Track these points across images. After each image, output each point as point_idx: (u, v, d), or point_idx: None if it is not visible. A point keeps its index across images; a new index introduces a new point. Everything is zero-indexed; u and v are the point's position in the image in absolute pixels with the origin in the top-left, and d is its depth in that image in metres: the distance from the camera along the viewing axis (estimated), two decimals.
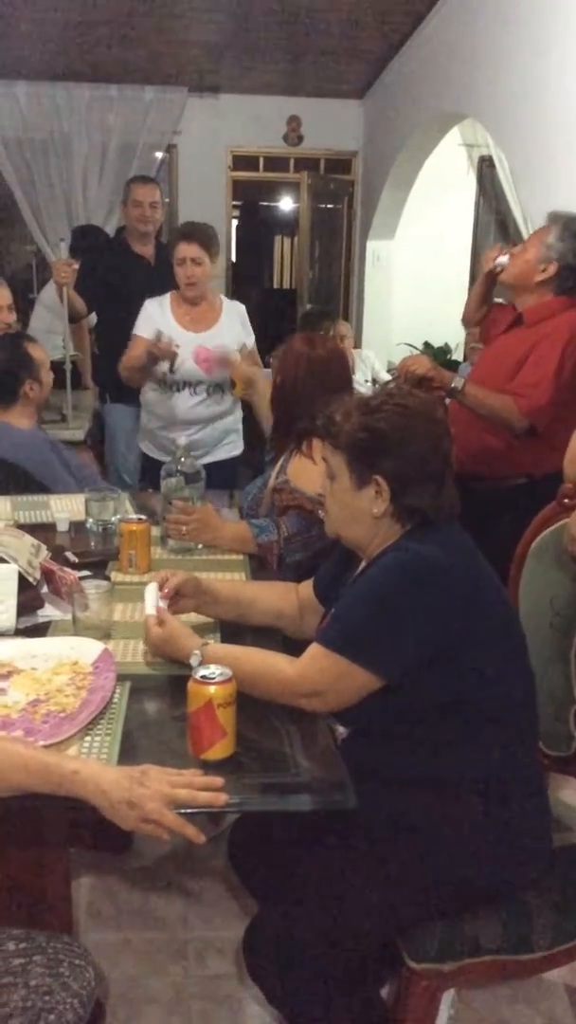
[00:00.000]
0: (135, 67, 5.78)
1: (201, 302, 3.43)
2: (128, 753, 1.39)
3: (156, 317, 3.40)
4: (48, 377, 2.81)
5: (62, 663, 1.61)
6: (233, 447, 3.63)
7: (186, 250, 3.30)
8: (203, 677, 1.36)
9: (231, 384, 3.36)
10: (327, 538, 1.76)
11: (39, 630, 1.83)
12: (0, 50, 5.39)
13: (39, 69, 5.76)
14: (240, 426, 3.64)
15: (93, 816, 1.24)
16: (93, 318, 4.62)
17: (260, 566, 2.23)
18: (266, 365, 3.42)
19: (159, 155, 6.49)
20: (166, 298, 3.44)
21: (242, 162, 6.74)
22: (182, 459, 2.40)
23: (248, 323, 3.57)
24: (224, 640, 1.75)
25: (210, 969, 2.07)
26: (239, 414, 3.61)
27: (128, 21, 4.91)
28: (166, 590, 1.74)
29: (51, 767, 1.24)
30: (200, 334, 3.40)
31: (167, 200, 6.20)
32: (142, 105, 6.19)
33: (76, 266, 3.95)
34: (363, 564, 1.64)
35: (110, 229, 5.72)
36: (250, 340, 3.54)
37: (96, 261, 4.18)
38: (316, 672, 1.47)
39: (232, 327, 3.48)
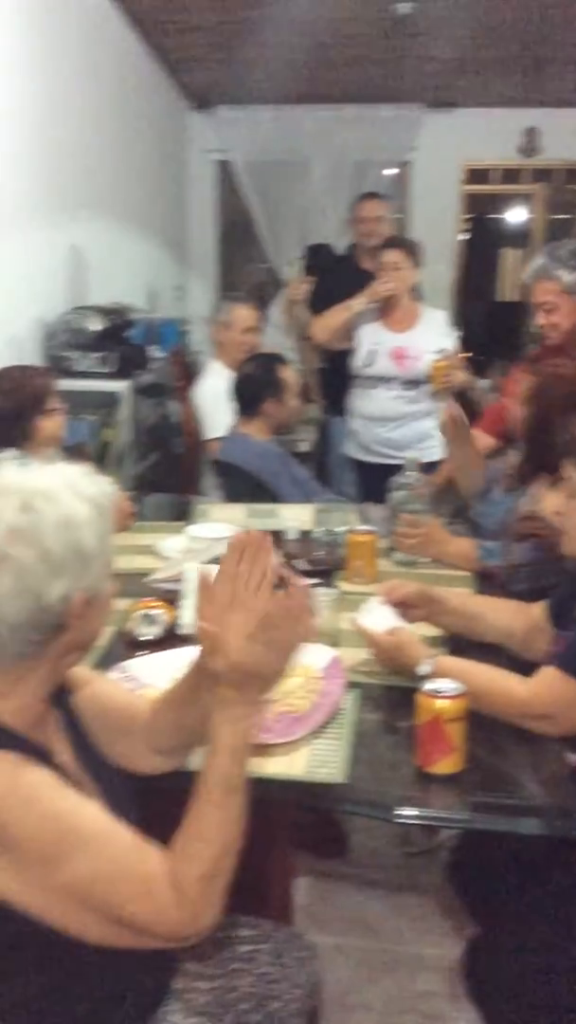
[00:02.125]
0: (374, 86, 5.88)
1: (399, 303, 3.61)
2: (355, 760, 1.42)
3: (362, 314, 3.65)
4: (293, 402, 2.96)
5: (293, 666, 1.67)
6: (429, 452, 3.63)
7: (388, 255, 3.58)
8: (433, 690, 1.37)
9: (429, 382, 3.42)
10: (555, 575, 1.73)
11: None
12: (247, 77, 5.65)
13: (282, 93, 5.98)
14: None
15: (312, 819, 1.27)
16: None
17: (487, 584, 2.20)
18: (486, 377, 3.45)
19: (392, 171, 6.57)
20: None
21: (475, 175, 6.69)
22: (410, 473, 2.42)
23: (450, 329, 3.74)
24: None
25: (421, 985, 2.06)
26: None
27: (369, 42, 5.01)
28: (393, 598, 1.76)
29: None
30: (398, 334, 3.59)
31: (399, 216, 6.25)
32: (379, 123, 6.28)
33: (309, 284, 4.09)
34: None
35: (341, 247, 5.85)
36: (451, 344, 3.62)
37: (326, 279, 4.31)
38: (549, 695, 1.44)
39: (429, 330, 3.62)
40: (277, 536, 2.48)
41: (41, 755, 1.07)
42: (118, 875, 1.02)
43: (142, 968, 1.18)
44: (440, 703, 1.35)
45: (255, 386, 2.88)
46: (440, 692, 1.37)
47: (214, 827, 1.07)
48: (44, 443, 2.44)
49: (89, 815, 1.04)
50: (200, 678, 1.17)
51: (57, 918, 1.02)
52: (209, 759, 1.10)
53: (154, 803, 1.26)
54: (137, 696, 1.42)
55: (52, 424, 2.48)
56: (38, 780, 1.02)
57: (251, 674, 1.12)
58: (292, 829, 1.80)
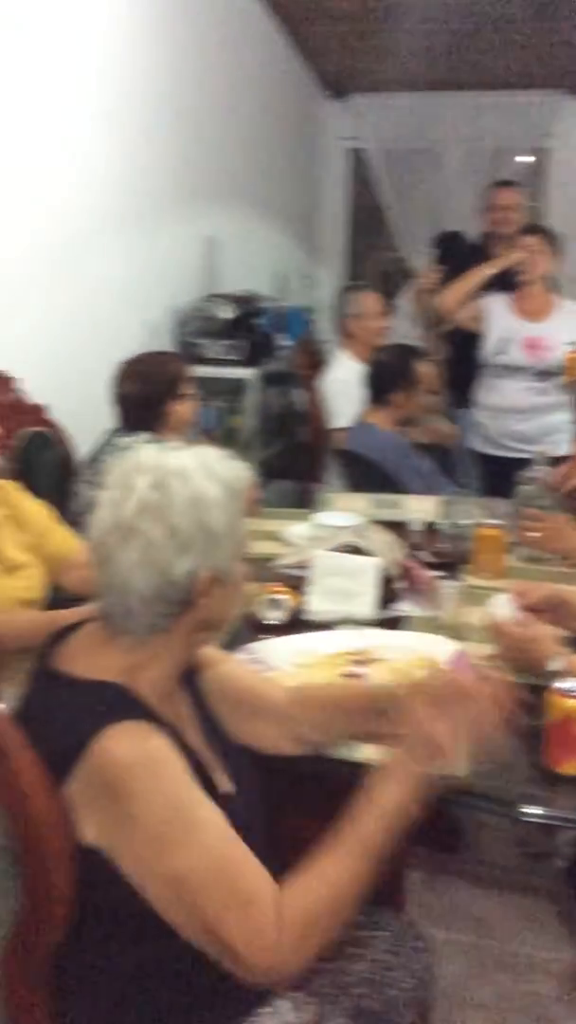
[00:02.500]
0: (512, 72, 5.75)
1: (533, 291, 3.53)
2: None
3: (495, 301, 3.59)
4: (423, 398, 2.94)
5: (419, 657, 1.66)
6: (556, 447, 3.54)
7: (526, 239, 3.53)
8: (566, 689, 1.34)
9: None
10: None
11: (393, 623, 1.90)
12: (383, 64, 5.61)
13: (418, 80, 5.92)
14: (570, 427, 3.55)
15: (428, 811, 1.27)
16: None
17: None
18: None
19: (528, 159, 6.41)
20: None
21: None
22: (539, 468, 2.37)
23: None
24: None
25: (533, 986, 2.03)
26: (568, 416, 3.52)
27: (511, 26, 4.89)
28: (525, 603, 1.72)
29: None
30: (530, 323, 3.50)
31: (534, 204, 6.10)
32: (516, 110, 6.14)
33: (440, 274, 4.04)
34: None
35: (473, 235, 5.75)
36: None
37: (458, 268, 4.24)
38: None
39: (565, 321, 3.51)
40: (401, 527, 2.47)
41: (171, 730, 1.10)
42: (222, 880, 1.01)
43: None
44: (573, 702, 1.33)
45: (388, 375, 2.88)
46: (573, 691, 1.34)
47: (340, 875, 1.05)
48: (176, 427, 2.50)
49: (206, 811, 1.04)
50: (380, 724, 1.20)
51: (155, 903, 1.02)
52: (363, 809, 1.09)
53: (277, 781, 1.29)
54: (268, 680, 1.45)
55: (184, 409, 2.53)
56: (167, 757, 1.04)
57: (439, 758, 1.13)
58: None
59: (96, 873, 1.02)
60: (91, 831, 1.02)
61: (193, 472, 1.10)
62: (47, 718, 1.07)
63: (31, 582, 1.92)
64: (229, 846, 1.04)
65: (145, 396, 2.47)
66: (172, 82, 3.51)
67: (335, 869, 1.05)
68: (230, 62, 4.14)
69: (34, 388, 2.54)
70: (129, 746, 1.02)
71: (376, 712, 1.24)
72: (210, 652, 1.33)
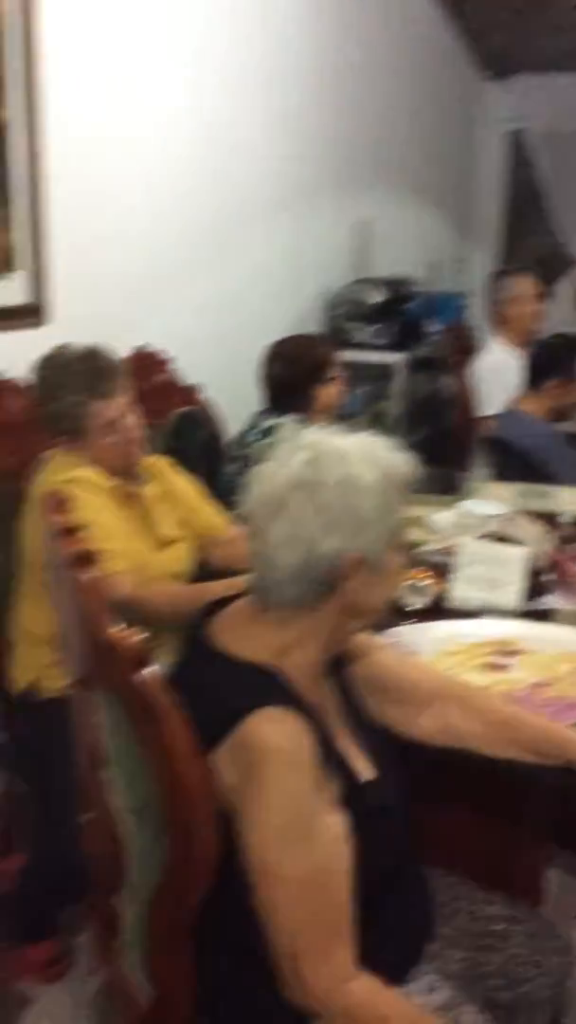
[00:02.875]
0: None
1: None
2: None
3: None
4: None
5: (566, 652, 1.62)
6: None
7: None
8: None
9: None
10: None
11: (541, 615, 1.85)
12: (547, 44, 5.43)
13: None
14: None
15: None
16: None
17: None
18: None
19: None
20: None
21: None
22: None
23: None
24: None
25: None
26: None
27: None
28: None
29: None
30: None
31: None
32: None
33: None
34: None
35: None
36: None
37: None
38: None
39: None
40: (551, 518, 2.41)
41: (314, 716, 1.11)
42: (317, 897, 1.04)
43: (399, 929, 1.21)
44: None
45: (546, 362, 2.81)
46: None
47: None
48: (322, 410, 2.51)
49: (325, 823, 1.06)
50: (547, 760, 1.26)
51: (251, 880, 1.05)
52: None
53: (414, 765, 1.28)
54: (422, 669, 1.45)
55: (329, 392, 2.54)
56: (305, 754, 1.05)
57: None
58: (545, 816, 1.76)
59: (232, 841, 1.05)
60: (228, 801, 1.05)
61: (351, 454, 1.11)
62: (199, 690, 1.10)
63: (180, 556, 1.98)
64: (334, 864, 1.06)
65: (291, 378, 2.50)
66: (331, 65, 3.51)
67: (399, 1016, 1.08)
68: (390, 45, 4.11)
69: (187, 368, 2.61)
70: (274, 731, 1.04)
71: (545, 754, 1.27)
72: (363, 641, 1.34)
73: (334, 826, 1.07)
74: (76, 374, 1.81)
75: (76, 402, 1.80)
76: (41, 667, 1.82)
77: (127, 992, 1.21)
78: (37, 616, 1.78)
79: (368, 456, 1.12)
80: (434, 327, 4.11)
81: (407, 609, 1.87)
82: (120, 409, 1.85)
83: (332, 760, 1.11)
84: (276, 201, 3.25)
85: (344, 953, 1.06)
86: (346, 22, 3.59)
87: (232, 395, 2.69)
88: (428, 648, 1.63)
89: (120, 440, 1.86)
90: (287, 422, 2.31)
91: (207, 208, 2.82)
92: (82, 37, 2.21)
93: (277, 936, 1.05)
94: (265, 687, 1.09)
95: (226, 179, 2.90)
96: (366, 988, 1.06)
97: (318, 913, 1.04)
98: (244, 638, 1.14)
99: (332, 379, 2.55)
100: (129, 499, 1.91)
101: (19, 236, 2.04)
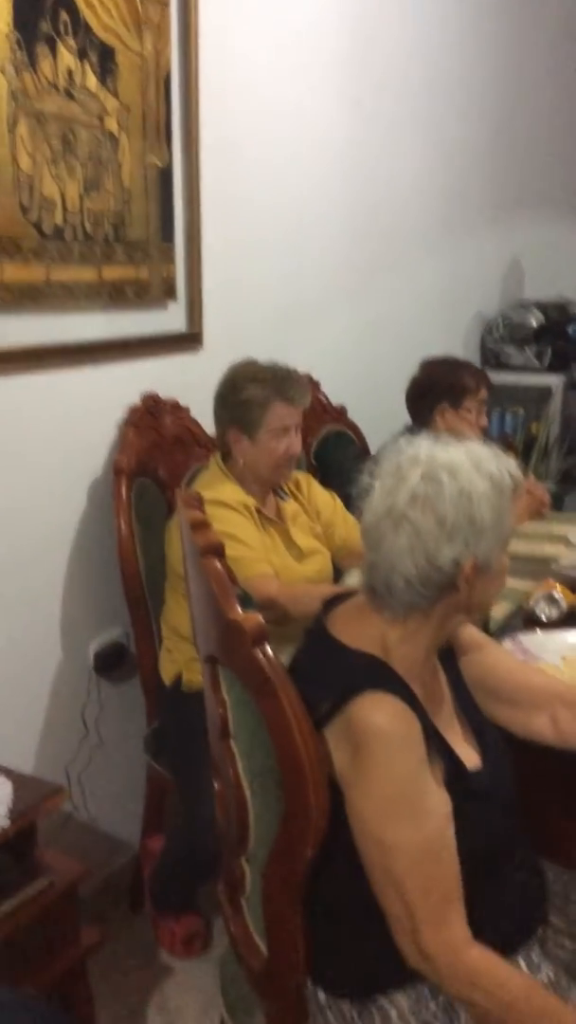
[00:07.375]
0: None
1: None
2: None
3: None
4: None
5: None
6: None
7: None
8: None
9: None
10: None
11: None
12: None
13: None
14: None
15: None
16: None
17: None
18: None
19: None
20: None
21: None
22: None
23: None
24: None
25: None
26: None
27: None
28: None
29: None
30: None
31: None
32: None
33: None
34: None
35: None
36: None
37: None
38: None
39: None
40: None
41: (418, 705, 1.18)
42: (431, 868, 1.10)
43: (505, 910, 1.26)
44: None
45: None
46: None
47: (515, 995, 1.10)
48: (454, 435, 2.52)
49: (433, 801, 1.13)
50: None
51: (363, 857, 1.13)
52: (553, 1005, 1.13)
53: (523, 756, 1.33)
54: (534, 671, 1.49)
55: (456, 422, 2.48)
56: (412, 736, 1.13)
57: None
58: None
59: (341, 810, 1.14)
60: (337, 774, 1.14)
61: (463, 467, 1.18)
62: (315, 672, 1.21)
63: (319, 566, 2.08)
64: (445, 838, 1.13)
65: (420, 394, 2.53)
66: (491, 89, 3.56)
67: (518, 984, 1.12)
68: (550, 69, 4.11)
69: (336, 391, 2.72)
70: (382, 713, 1.13)
71: None
72: (475, 635, 1.41)
73: (443, 804, 1.14)
74: (267, 374, 1.95)
75: (263, 396, 1.93)
76: (185, 662, 1.98)
77: (249, 950, 1.31)
78: (181, 615, 1.93)
79: (477, 466, 1.19)
80: None
81: (539, 620, 1.91)
82: (296, 420, 1.98)
83: (435, 746, 1.19)
84: (432, 228, 3.32)
85: (461, 922, 1.12)
86: (507, 47, 3.62)
87: (382, 417, 2.77)
88: (551, 655, 1.66)
89: (283, 450, 1.97)
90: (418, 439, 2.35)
91: (360, 239, 2.90)
92: (235, 81, 2.30)
93: (394, 906, 1.12)
94: (373, 673, 1.18)
95: (382, 212, 2.97)
96: (485, 955, 1.12)
97: (435, 881, 1.11)
98: (357, 631, 1.24)
99: (466, 410, 2.49)
100: (269, 521, 2.03)
101: (178, 269, 2.21)
